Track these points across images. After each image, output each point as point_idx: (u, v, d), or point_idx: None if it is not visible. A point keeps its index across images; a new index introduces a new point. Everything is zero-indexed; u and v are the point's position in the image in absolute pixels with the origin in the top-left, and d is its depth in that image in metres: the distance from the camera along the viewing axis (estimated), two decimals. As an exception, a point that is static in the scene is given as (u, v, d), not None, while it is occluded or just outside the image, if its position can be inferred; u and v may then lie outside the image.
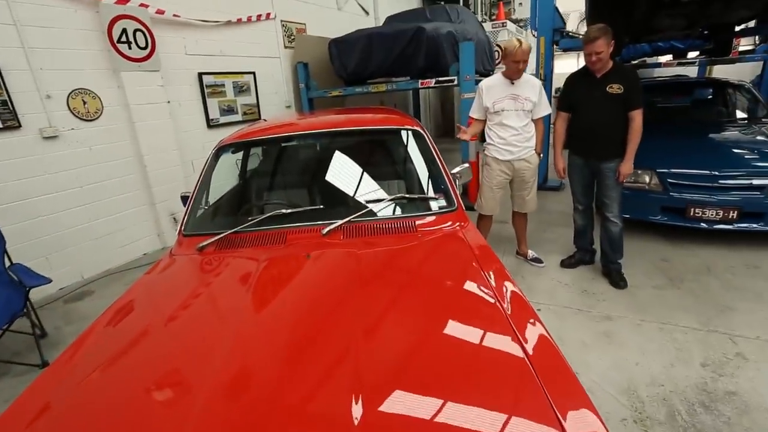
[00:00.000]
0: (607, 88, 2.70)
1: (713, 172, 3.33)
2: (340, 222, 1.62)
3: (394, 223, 1.67)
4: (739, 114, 4.71)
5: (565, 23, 5.33)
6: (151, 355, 1.11)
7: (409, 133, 2.05)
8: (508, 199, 3.28)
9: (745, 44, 9.71)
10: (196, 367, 1.01)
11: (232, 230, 1.68)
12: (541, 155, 3.06)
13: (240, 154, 2.27)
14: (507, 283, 1.30)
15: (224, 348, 1.04)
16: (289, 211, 1.72)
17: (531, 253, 3.40)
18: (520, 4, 16.00)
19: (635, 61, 8.98)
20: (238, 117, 5.17)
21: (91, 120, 3.71)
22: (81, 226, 3.76)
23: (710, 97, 5.52)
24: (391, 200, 1.75)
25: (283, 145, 2.22)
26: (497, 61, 10.26)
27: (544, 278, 3.14)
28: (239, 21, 5.08)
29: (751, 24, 5.60)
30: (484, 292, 1.23)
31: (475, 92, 5.15)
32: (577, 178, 3.03)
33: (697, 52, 8.50)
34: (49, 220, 3.51)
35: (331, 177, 1.93)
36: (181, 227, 1.82)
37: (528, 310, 1.16)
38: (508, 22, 11.64)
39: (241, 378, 0.97)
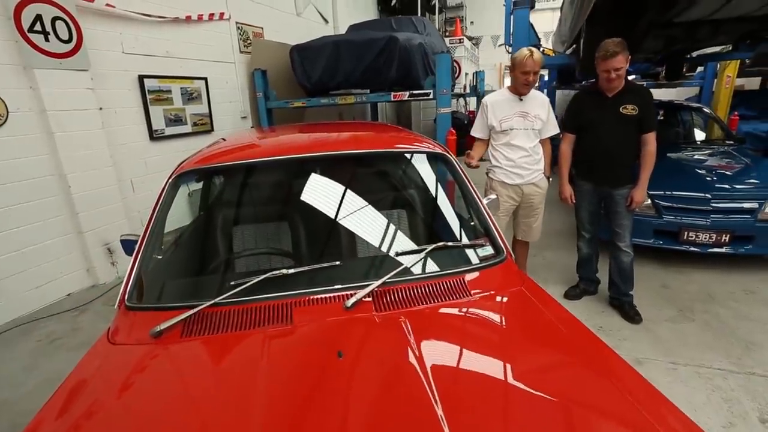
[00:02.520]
0: (621, 109, 2.49)
1: (706, 195, 3.28)
2: (373, 285, 1.13)
3: (439, 283, 1.22)
4: (703, 136, 4.87)
5: (539, 39, 5.28)
6: None
7: (436, 158, 1.63)
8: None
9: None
10: None
11: (208, 303, 1.13)
12: (550, 179, 2.79)
13: (205, 184, 1.70)
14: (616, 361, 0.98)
15: None
16: (292, 271, 1.21)
17: (532, 284, 3.10)
18: (472, 23, 16.57)
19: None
20: (188, 128, 4.46)
21: (-10, 129, 2.89)
22: (-25, 266, 2.89)
23: (666, 118, 5.73)
24: (431, 251, 1.29)
25: (270, 173, 1.66)
26: (456, 76, 10.36)
27: (552, 314, 2.85)
28: (188, 19, 4.42)
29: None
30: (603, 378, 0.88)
31: (450, 107, 4.99)
32: (584, 204, 2.80)
33: (634, 76, 9.07)
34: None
35: (343, 220, 1.43)
36: (123, 295, 1.24)
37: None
38: (465, 39, 11.85)
39: None
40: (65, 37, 3.13)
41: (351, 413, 0.83)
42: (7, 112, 2.95)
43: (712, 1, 2.90)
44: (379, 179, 1.69)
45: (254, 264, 1.43)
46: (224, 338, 1.07)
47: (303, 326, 1.07)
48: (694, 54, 6.27)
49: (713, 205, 3.25)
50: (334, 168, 1.56)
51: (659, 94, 10.01)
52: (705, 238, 3.26)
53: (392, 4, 11.10)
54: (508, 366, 0.97)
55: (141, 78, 3.87)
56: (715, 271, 3.35)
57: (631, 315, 2.71)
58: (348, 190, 1.49)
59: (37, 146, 3.15)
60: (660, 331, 2.59)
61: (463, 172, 1.63)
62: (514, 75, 2.52)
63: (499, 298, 1.22)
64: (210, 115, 4.75)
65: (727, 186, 3.37)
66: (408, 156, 1.69)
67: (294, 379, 0.91)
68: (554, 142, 2.83)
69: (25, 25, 2.90)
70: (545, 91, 9.55)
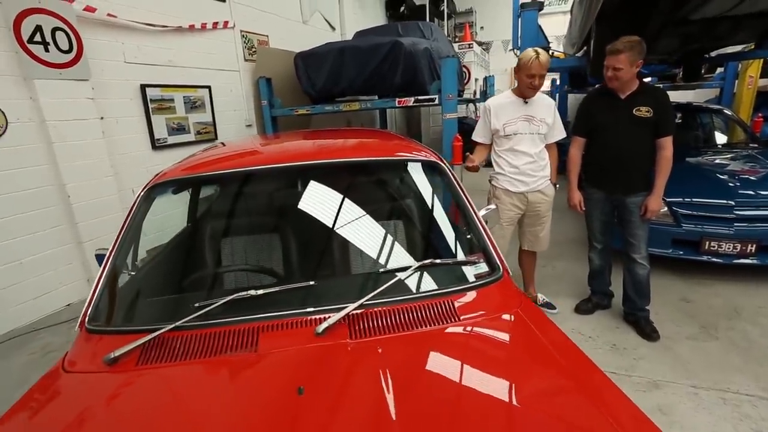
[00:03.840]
0: (634, 111, 2.33)
1: (729, 202, 3.07)
2: (349, 308, 1.02)
3: (424, 306, 1.10)
4: (725, 139, 4.63)
5: (549, 42, 5.13)
6: None
7: (428, 167, 1.51)
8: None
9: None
10: None
11: (169, 326, 1.03)
12: (557, 186, 2.64)
13: (184, 195, 1.61)
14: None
15: None
16: (261, 292, 1.10)
17: (541, 297, 2.94)
18: (482, 27, 16.43)
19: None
20: (191, 137, 4.43)
21: (-11, 139, 2.89)
22: (-28, 277, 2.88)
23: (685, 121, 5.49)
24: (417, 268, 1.17)
25: (249, 184, 1.54)
26: (466, 81, 10.23)
27: (562, 329, 2.67)
28: (191, 28, 4.42)
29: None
30: None
31: (456, 113, 4.87)
32: (596, 213, 2.63)
33: (650, 78, 8.78)
34: None
35: (323, 235, 1.32)
36: (83, 317, 1.15)
37: None
38: (474, 44, 11.73)
39: None
40: (65, 47, 3.13)
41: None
42: (7, 122, 2.95)
43: None
44: (363, 190, 1.57)
45: (228, 282, 1.33)
46: (180, 368, 0.96)
47: (267, 355, 0.96)
48: (713, 54, 6.03)
49: (737, 212, 3.03)
50: (314, 178, 1.45)
51: (677, 96, 9.66)
52: (728, 248, 3.04)
53: (401, 10, 11.07)
54: (499, 409, 0.83)
55: (143, 87, 3.87)
56: (740, 283, 3.12)
57: (647, 332, 2.52)
58: (329, 202, 1.38)
59: (37, 156, 3.14)
60: (680, 350, 2.40)
61: (456, 181, 1.50)
62: (519, 78, 2.38)
63: (491, 323, 1.09)
64: (214, 124, 4.73)
65: (752, 192, 3.15)
66: (396, 165, 1.57)
67: (245, 421, 0.79)
68: (563, 147, 2.68)
69: (25, 36, 2.90)
70: (557, 95, 9.33)
